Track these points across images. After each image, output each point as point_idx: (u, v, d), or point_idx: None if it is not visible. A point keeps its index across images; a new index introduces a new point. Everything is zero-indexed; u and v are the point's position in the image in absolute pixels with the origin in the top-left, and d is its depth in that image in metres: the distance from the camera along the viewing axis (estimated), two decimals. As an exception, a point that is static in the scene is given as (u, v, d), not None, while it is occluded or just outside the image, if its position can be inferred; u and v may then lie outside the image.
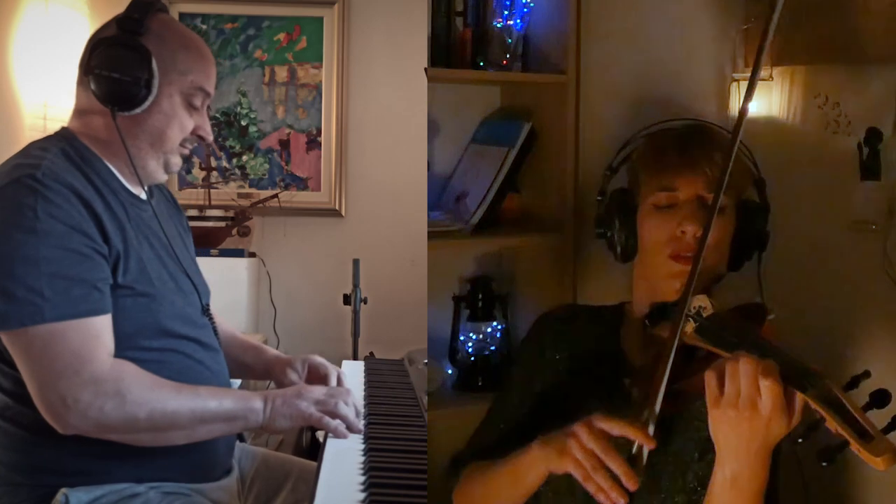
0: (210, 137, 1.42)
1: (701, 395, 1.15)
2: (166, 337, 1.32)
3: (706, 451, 1.21)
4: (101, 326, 1.22)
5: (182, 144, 1.39)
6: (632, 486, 1.07)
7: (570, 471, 1.10)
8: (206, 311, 1.46)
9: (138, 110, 1.31)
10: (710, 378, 1.03)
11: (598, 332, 1.38)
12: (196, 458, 1.34)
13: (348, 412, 1.34)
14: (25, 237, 1.18)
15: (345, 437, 1.31)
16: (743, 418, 1.00)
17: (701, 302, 1.14)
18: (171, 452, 1.29)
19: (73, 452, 1.24)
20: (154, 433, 1.23)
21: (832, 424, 0.93)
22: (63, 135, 1.37)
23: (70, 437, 1.21)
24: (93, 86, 1.31)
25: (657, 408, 1.10)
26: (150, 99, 1.31)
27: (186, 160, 1.50)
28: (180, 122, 1.36)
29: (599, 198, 1.40)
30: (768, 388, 0.98)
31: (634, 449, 1.10)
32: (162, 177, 1.40)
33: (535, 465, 1.16)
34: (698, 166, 1.23)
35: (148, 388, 1.22)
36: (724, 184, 1.13)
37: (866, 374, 0.99)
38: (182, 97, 1.35)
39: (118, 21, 1.33)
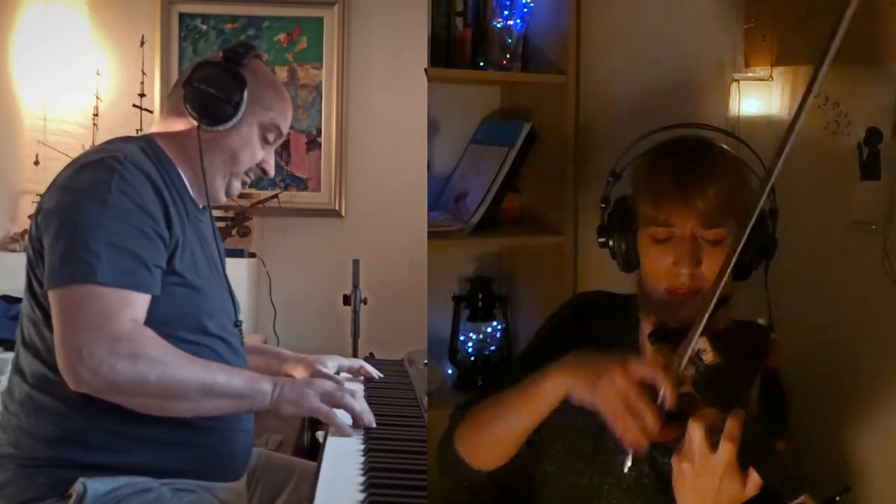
0: (272, 173, 1.54)
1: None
2: (203, 333, 1.36)
3: None
4: (138, 300, 1.28)
5: (246, 172, 1.49)
6: (654, 436, 1.07)
7: (598, 406, 1.10)
8: (237, 325, 1.50)
9: (221, 128, 1.42)
10: (690, 430, 1.04)
11: (619, 327, 1.38)
12: (215, 456, 1.37)
13: (355, 405, 1.35)
14: (95, 206, 1.27)
15: (348, 435, 1.31)
16: (697, 473, 1.02)
17: (701, 344, 1.12)
18: (192, 444, 1.33)
19: (100, 429, 1.28)
20: (162, 400, 1.26)
21: None
22: (145, 137, 1.47)
23: (100, 414, 1.26)
24: (188, 99, 1.42)
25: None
26: (235, 121, 1.42)
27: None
28: (252, 150, 1.47)
29: (603, 205, 1.37)
30: (722, 448, 0.99)
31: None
32: (222, 197, 1.50)
33: (554, 389, 1.16)
34: (692, 205, 1.19)
35: (161, 353, 1.26)
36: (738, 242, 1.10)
37: (846, 490, 0.98)
38: (260, 129, 1.47)
39: (224, 51, 1.47)
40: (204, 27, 3.25)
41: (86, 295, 1.23)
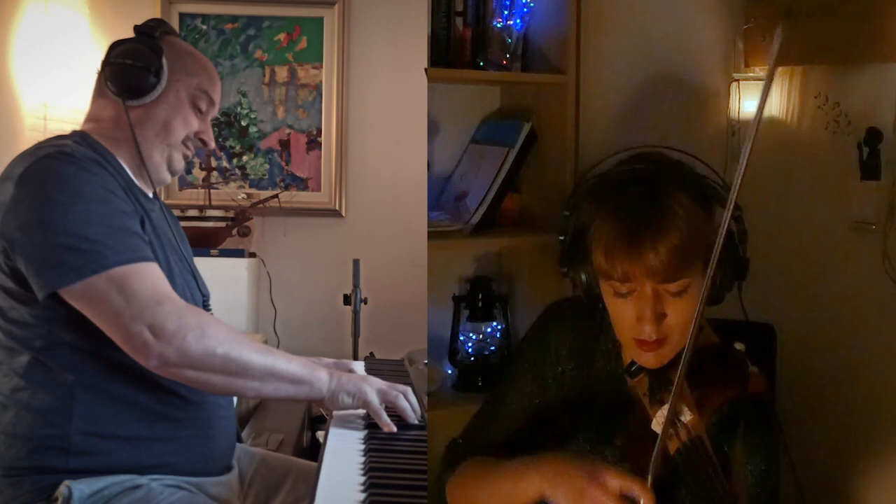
0: (212, 144, 1.51)
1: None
2: None
3: None
4: (160, 271, 1.29)
5: (185, 143, 1.46)
6: None
7: None
8: (206, 307, 1.51)
9: (148, 99, 1.41)
10: None
11: (600, 335, 1.35)
12: (198, 447, 1.37)
13: (406, 407, 1.37)
14: (74, 200, 1.25)
15: (393, 430, 1.33)
16: None
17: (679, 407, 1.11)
18: (174, 438, 1.33)
19: (79, 432, 1.27)
20: (227, 377, 1.26)
21: None
22: (76, 133, 1.44)
23: (77, 417, 1.25)
24: (108, 80, 1.40)
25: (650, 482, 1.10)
26: (160, 89, 1.41)
27: (188, 162, 1.56)
28: (185, 117, 1.45)
29: (560, 238, 1.33)
30: None
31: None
32: (166, 175, 1.47)
33: (532, 492, 1.15)
34: (648, 265, 1.13)
35: (224, 330, 1.28)
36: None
37: None
38: (188, 96, 1.45)
39: (135, 27, 1.45)
40: (204, 27, 3.25)
41: (122, 277, 1.23)
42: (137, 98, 1.40)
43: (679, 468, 1.11)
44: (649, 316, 1.16)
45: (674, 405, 1.10)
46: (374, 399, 1.35)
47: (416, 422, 1.37)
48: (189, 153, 1.48)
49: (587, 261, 1.24)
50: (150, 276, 1.26)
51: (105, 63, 1.42)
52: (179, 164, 1.48)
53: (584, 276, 1.27)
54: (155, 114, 1.42)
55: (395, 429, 1.33)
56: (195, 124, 1.46)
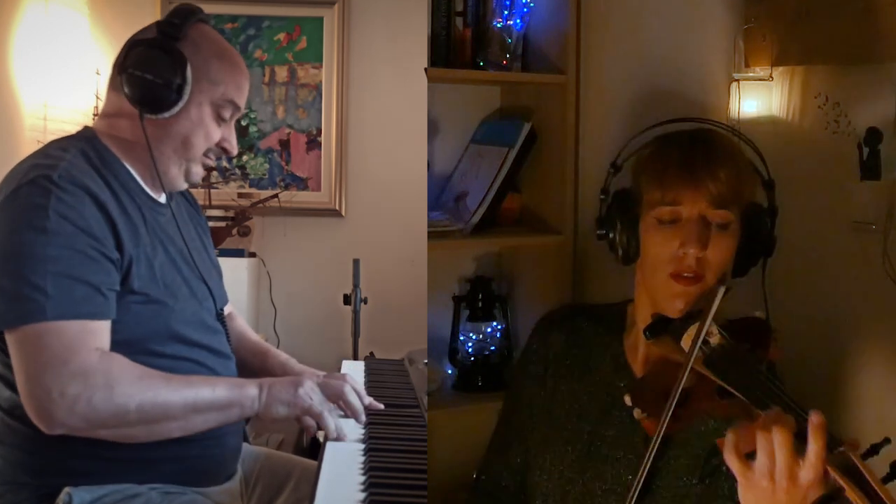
0: (234, 151, 1.43)
1: (699, 416, 1.15)
2: (178, 343, 1.31)
3: (705, 474, 1.21)
4: (99, 328, 1.21)
5: (206, 154, 1.39)
6: None
7: None
8: (220, 316, 1.45)
9: (167, 114, 1.31)
10: (731, 443, 0.96)
11: (600, 337, 1.37)
12: (202, 465, 1.34)
13: (353, 401, 1.33)
14: (34, 236, 1.18)
15: (340, 439, 1.28)
16: (780, 489, 0.92)
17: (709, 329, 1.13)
18: (182, 457, 1.29)
19: (79, 454, 1.23)
20: (147, 426, 1.20)
21: (852, 496, 0.88)
22: (85, 135, 1.37)
23: (78, 438, 1.20)
24: (125, 86, 1.30)
25: (662, 431, 1.11)
26: (180, 105, 1.31)
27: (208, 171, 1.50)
28: (206, 132, 1.36)
29: (602, 196, 1.36)
30: (815, 458, 0.91)
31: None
32: (182, 185, 1.41)
33: None
34: (702, 184, 1.18)
35: (137, 378, 1.20)
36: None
37: (886, 441, 0.94)
38: (211, 107, 1.36)
39: (158, 24, 1.34)
40: (204, 27, 3.24)
41: (41, 333, 1.15)
42: (155, 113, 1.31)
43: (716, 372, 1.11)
44: (694, 234, 1.18)
45: (707, 318, 1.12)
46: (315, 405, 1.28)
47: (361, 421, 1.35)
48: (210, 162, 1.40)
49: (628, 212, 1.27)
50: (73, 332, 1.16)
51: (122, 68, 1.30)
52: (198, 175, 1.40)
53: (623, 233, 1.27)
54: (174, 129, 1.33)
55: (344, 437, 1.28)
56: (217, 135, 1.38)
